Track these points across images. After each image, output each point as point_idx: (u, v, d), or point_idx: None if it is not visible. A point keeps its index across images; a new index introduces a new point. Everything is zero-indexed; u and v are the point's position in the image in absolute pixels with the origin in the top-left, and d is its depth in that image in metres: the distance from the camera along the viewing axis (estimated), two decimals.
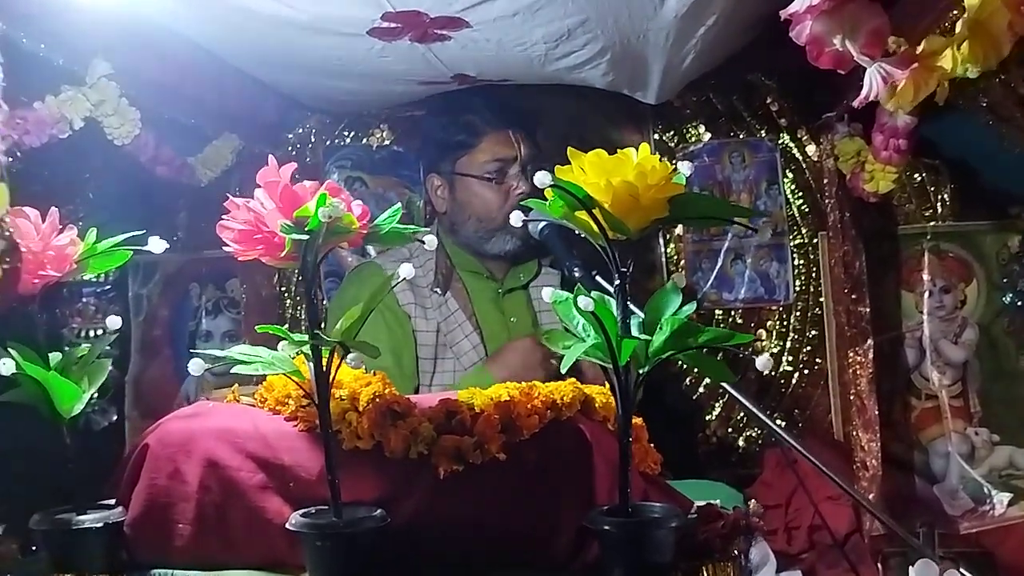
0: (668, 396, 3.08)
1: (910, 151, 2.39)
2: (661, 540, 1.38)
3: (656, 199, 1.36)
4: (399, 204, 1.51)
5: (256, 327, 2.90)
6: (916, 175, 2.90)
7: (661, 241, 3.10)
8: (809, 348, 3.07)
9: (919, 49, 1.24)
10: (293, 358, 1.45)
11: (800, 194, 3.07)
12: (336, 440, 1.48)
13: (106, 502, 1.59)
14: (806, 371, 3.06)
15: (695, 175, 3.01)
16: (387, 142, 3.15)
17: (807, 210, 3.07)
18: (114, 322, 1.62)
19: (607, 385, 1.67)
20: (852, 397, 2.81)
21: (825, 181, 2.93)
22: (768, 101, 3.08)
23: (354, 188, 3.10)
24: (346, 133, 3.15)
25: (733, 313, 3.11)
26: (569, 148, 1.40)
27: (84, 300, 3.05)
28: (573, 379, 1.59)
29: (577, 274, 2.19)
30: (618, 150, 1.38)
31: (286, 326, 3.10)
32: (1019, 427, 2.85)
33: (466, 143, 2.62)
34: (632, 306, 1.58)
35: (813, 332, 3.07)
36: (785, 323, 3.09)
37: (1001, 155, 2.48)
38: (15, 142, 1.91)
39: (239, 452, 1.54)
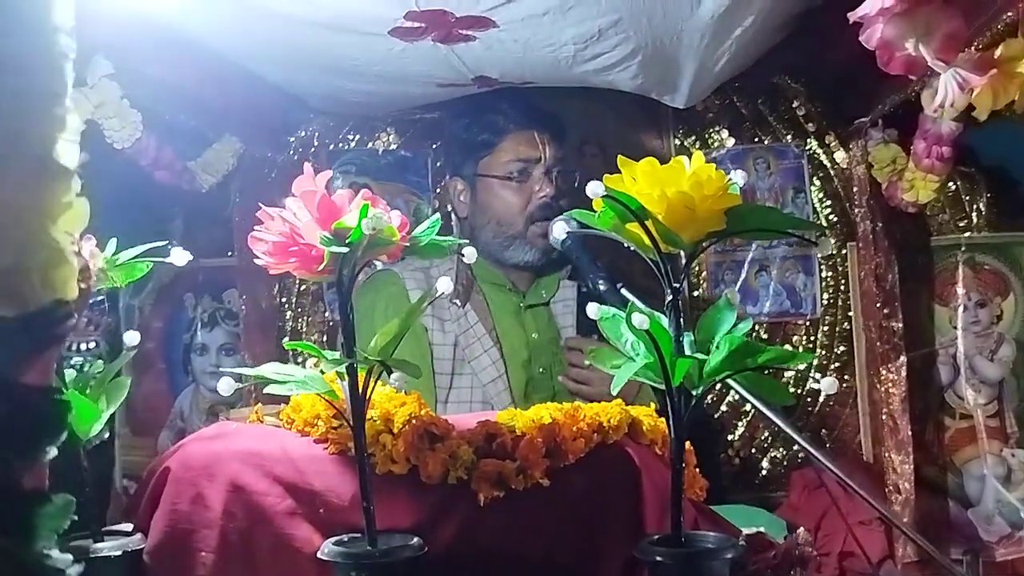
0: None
1: (954, 159, 2.39)
2: (716, 572, 1.37)
3: (712, 210, 1.35)
4: (435, 214, 1.50)
5: (257, 341, 2.96)
6: (951, 183, 2.90)
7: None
8: (837, 365, 3.07)
9: (997, 53, 1.24)
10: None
11: (828, 203, 3.08)
12: (370, 464, 1.47)
13: (123, 528, 1.57)
14: (834, 389, 3.05)
15: None
16: (394, 146, 3.15)
17: (835, 220, 3.07)
18: (132, 338, 1.61)
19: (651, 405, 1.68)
20: (884, 417, 2.81)
21: (855, 189, 2.93)
22: (795, 105, 3.09)
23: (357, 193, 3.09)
24: (351, 136, 3.15)
25: (757, 328, 3.11)
26: (619, 156, 1.39)
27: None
28: (619, 399, 1.58)
29: (602, 287, 2.18)
30: (641, 154, 1.37)
31: (286, 339, 3.09)
32: None
33: (489, 142, 2.64)
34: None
35: (842, 348, 3.07)
36: (812, 338, 3.09)
37: None
38: None
39: (266, 476, 1.53)
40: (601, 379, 2.33)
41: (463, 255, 1.48)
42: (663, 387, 1.35)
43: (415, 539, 1.44)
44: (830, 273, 3.08)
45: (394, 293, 2.57)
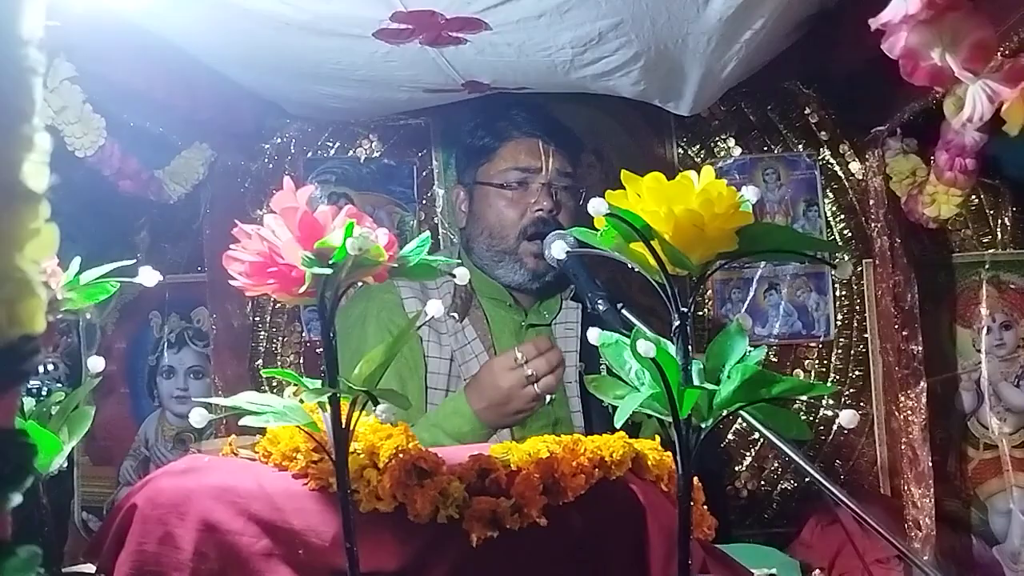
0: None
1: (977, 171, 2.40)
2: None
3: (723, 230, 1.35)
4: (425, 231, 1.50)
5: (228, 363, 2.95)
6: (974, 196, 2.92)
7: None
8: (852, 391, 3.08)
9: None
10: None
11: (842, 217, 3.09)
12: (353, 501, 1.46)
13: (84, 569, 1.56)
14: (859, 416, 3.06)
15: None
16: (376, 154, 3.15)
17: (850, 235, 3.08)
18: (96, 364, 1.59)
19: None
20: (902, 447, 2.81)
21: (872, 203, 2.94)
22: (807, 111, 3.10)
23: (338, 206, 3.09)
24: (330, 143, 3.15)
25: (767, 351, 3.10)
26: (623, 171, 1.39)
27: None
28: (622, 432, 1.58)
29: (601, 307, 2.18)
30: (642, 164, 1.38)
31: (259, 362, 3.09)
32: None
33: (490, 147, 2.66)
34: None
35: (857, 372, 3.08)
36: (825, 362, 3.09)
37: None
38: None
39: (241, 514, 1.52)
40: None
41: (454, 275, 1.47)
42: (670, 419, 1.35)
43: None
44: (845, 292, 3.09)
45: (388, 303, 2.56)
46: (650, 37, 2.17)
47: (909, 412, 2.80)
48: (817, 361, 3.09)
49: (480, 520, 1.46)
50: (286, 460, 1.57)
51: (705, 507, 1.67)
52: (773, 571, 1.62)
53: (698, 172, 1.38)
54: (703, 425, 1.38)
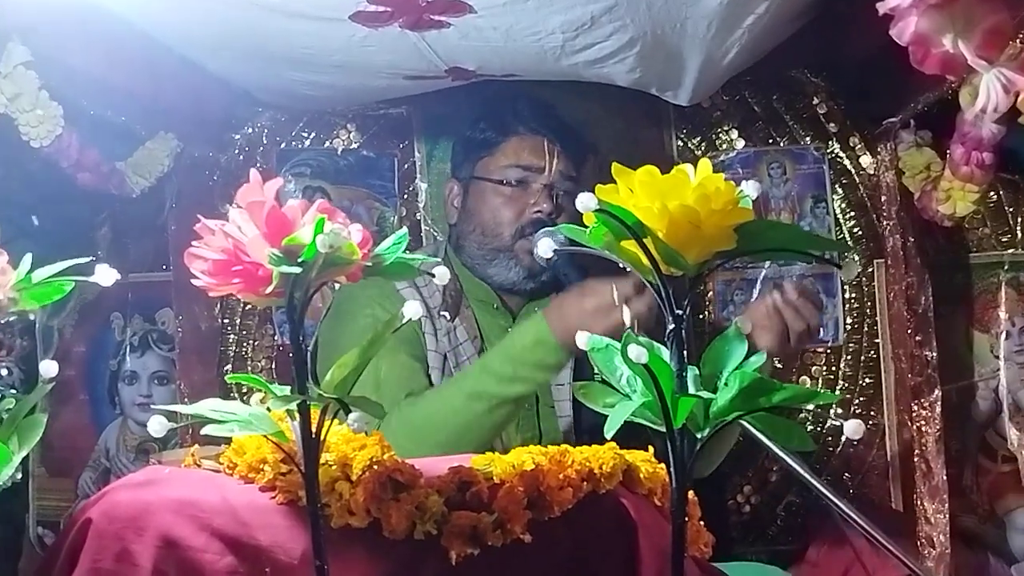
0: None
1: (996, 166, 2.40)
2: None
3: (721, 227, 1.35)
4: (403, 229, 1.50)
5: (195, 368, 2.95)
6: (992, 193, 2.92)
7: None
8: (862, 399, 3.08)
9: None
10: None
11: (852, 214, 3.09)
12: (324, 516, 1.46)
13: None
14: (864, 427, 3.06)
15: None
16: (355, 145, 3.14)
17: (860, 233, 3.08)
18: (49, 368, 1.58)
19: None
20: (915, 459, 2.82)
21: (883, 199, 2.95)
22: (815, 102, 3.10)
23: (313, 201, 3.08)
24: (305, 134, 3.14)
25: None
26: (614, 164, 1.39)
27: None
28: (612, 443, 1.58)
29: None
30: (638, 157, 1.38)
31: (228, 367, 3.08)
32: None
33: (492, 141, 2.66)
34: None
35: (867, 379, 3.08)
36: (834, 368, 3.09)
37: None
38: None
39: (203, 529, 1.52)
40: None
41: (433, 275, 1.47)
42: (663, 429, 1.35)
43: None
44: (854, 294, 3.09)
45: (386, 290, 2.54)
46: (646, 21, 2.17)
47: (923, 422, 2.81)
48: (825, 368, 3.09)
49: (460, 536, 1.46)
50: (252, 472, 1.57)
51: (701, 523, 1.67)
52: None
53: (705, 165, 1.38)
54: (699, 435, 1.38)
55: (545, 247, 1.48)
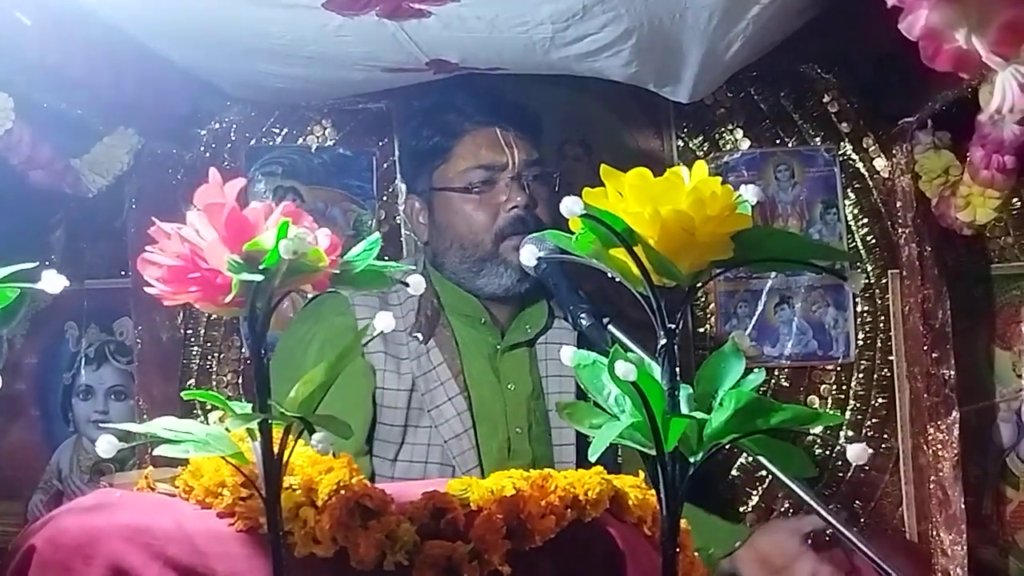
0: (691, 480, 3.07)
1: (1018, 170, 2.40)
2: None
3: (716, 235, 1.35)
4: (376, 235, 1.49)
5: (155, 382, 2.94)
6: (1015, 199, 2.92)
7: None
8: (875, 420, 3.09)
9: None
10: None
11: (865, 220, 3.10)
12: (287, 544, 1.45)
13: None
14: (871, 450, 3.04)
15: None
16: (330, 142, 3.15)
17: (874, 242, 3.09)
18: None
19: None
20: (931, 486, 2.82)
21: (899, 205, 2.95)
22: (826, 100, 3.11)
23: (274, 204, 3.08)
24: (276, 130, 3.15)
25: (777, 373, 3.12)
26: (602, 165, 1.39)
27: None
28: (599, 467, 1.57)
29: (585, 322, 2.18)
30: (635, 158, 1.37)
31: (191, 382, 3.08)
32: None
33: (443, 147, 2.64)
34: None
35: (880, 399, 3.08)
36: (844, 387, 3.10)
37: None
38: None
39: (156, 558, 1.51)
40: None
41: (407, 284, 1.46)
42: (653, 452, 1.34)
43: None
44: (867, 307, 3.10)
45: (338, 326, 2.54)
46: (642, 11, 2.17)
47: (939, 446, 2.81)
48: (834, 386, 3.10)
49: (433, 567, 1.45)
50: (210, 496, 1.56)
51: (696, 554, 1.67)
52: None
53: (700, 167, 1.38)
54: (692, 460, 1.37)
55: (528, 255, 1.47)
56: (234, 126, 3.13)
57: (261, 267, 1.32)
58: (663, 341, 1.37)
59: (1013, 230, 2.97)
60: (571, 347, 1.45)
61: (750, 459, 3.04)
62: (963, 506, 2.77)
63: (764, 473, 3.04)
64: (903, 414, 3.04)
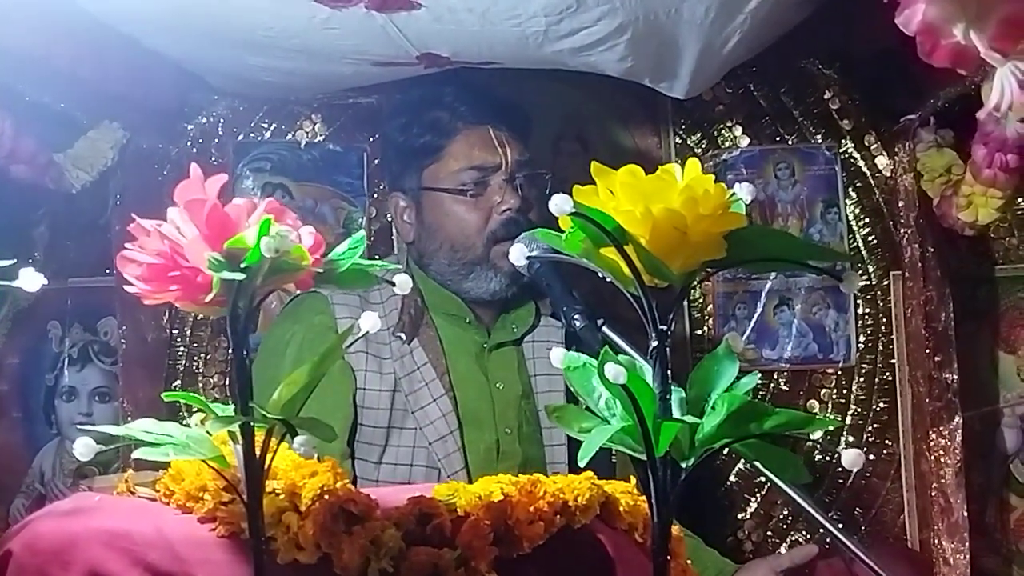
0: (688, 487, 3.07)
1: (1021, 169, 2.40)
2: None
3: (709, 234, 1.34)
4: (360, 232, 1.49)
5: (140, 383, 2.94)
6: (1019, 199, 2.92)
7: None
8: (876, 426, 3.09)
9: None
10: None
11: (867, 221, 3.10)
12: (269, 550, 1.45)
13: None
14: (872, 456, 3.07)
15: None
16: (320, 138, 3.14)
17: (876, 242, 3.10)
18: None
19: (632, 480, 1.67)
20: (933, 493, 2.82)
21: (901, 204, 2.95)
22: (827, 96, 3.11)
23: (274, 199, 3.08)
24: (265, 124, 3.14)
25: (776, 377, 3.12)
26: (593, 162, 1.38)
27: None
28: (589, 472, 1.57)
29: (578, 323, 2.18)
30: (632, 155, 1.37)
31: (177, 383, 3.08)
32: None
33: (433, 146, 2.63)
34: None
35: (882, 404, 3.09)
36: (845, 391, 3.10)
37: None
38: None
39: (135, 564, 1.50)
40: None
41: (393, 283, 1.46)
42: (644, 457, 1.34)
43: None
44: (868, 310, 3.09)
45: (318, 325, 2.54)
46: (637, 5, 2.16)
47: (942, 452, 2.81)
48: (835, 390, 3.10)
49: (419, 574, 1.45)
50: (191, 501, 1.56)
51: (689, 562, 1.66)
52: None
53: (700, 165, 1.37)
54: (684, 465, 1.37)
55: (518, 254, 1.47)
56: (222, 120, 3.12)
57: (243, 265, 1.32)
58: (654, 343, 1.37)
59: (1017, 231, 2.97)
60: (561, 348, 1.45)
61: (748, 465, 3.04)
62: (966, 514, 2.77)
63: (763, 480, 3.04)
64: (905, 419, 3.04)
